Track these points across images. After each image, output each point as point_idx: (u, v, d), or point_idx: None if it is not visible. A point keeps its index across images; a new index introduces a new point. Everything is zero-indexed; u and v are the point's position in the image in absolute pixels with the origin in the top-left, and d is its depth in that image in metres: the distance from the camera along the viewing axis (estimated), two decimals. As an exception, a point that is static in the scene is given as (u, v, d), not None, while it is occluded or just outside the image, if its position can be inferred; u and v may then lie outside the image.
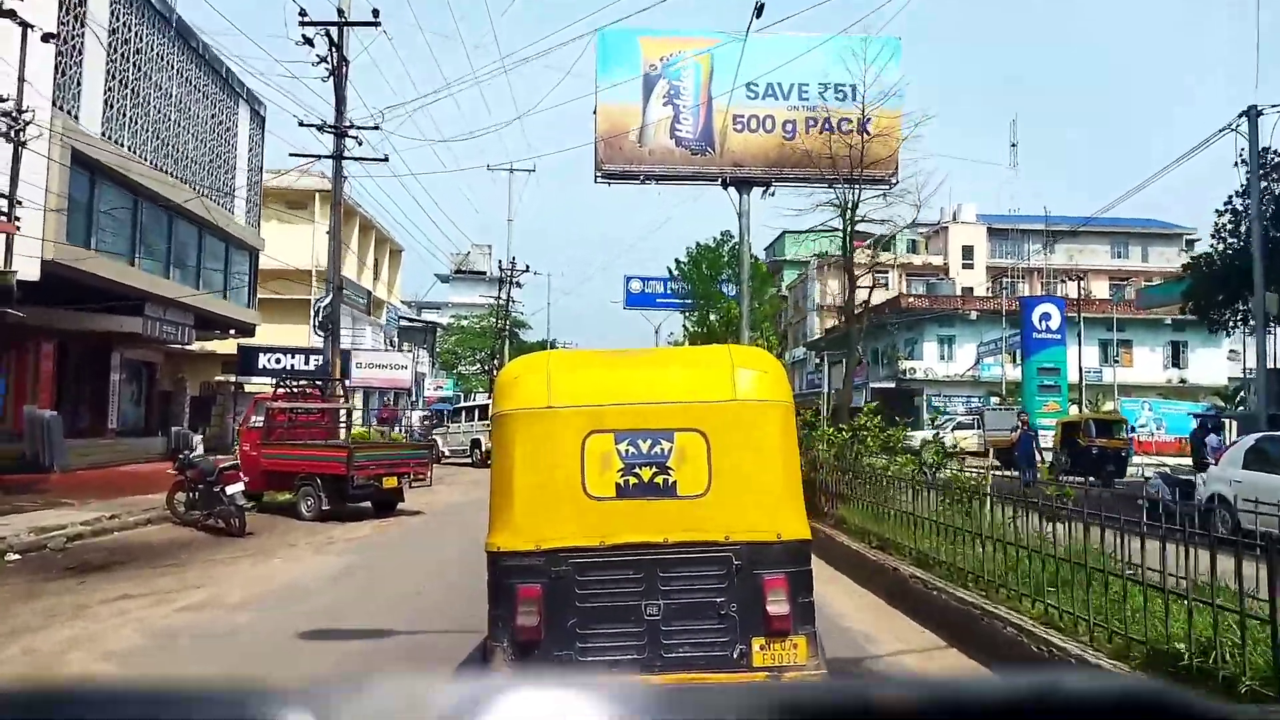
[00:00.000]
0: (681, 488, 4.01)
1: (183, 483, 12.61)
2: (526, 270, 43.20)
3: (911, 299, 46.51)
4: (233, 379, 32.29)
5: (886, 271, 28.19)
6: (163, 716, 0.69)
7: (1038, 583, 6.07)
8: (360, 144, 19.44)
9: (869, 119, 19.52)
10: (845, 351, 24.72)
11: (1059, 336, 29.56)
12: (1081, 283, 44.41)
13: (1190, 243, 63.19)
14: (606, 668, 3.88)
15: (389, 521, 14.12)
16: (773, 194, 20.93)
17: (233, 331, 29.22)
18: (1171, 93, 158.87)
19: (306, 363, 32.39)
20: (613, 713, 0.67)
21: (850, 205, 18.98)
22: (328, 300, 20.31)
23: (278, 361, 31.28)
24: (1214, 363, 44.85)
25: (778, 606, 3.92)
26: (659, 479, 4.01)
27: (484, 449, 27.25)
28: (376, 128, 18.65)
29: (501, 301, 43.44)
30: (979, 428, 32.50)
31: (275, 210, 34.36)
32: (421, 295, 66.65)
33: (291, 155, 23.25)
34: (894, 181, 20.64)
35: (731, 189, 20.96)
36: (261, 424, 15.01)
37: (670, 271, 41.44)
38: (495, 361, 45.44)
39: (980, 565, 6.89)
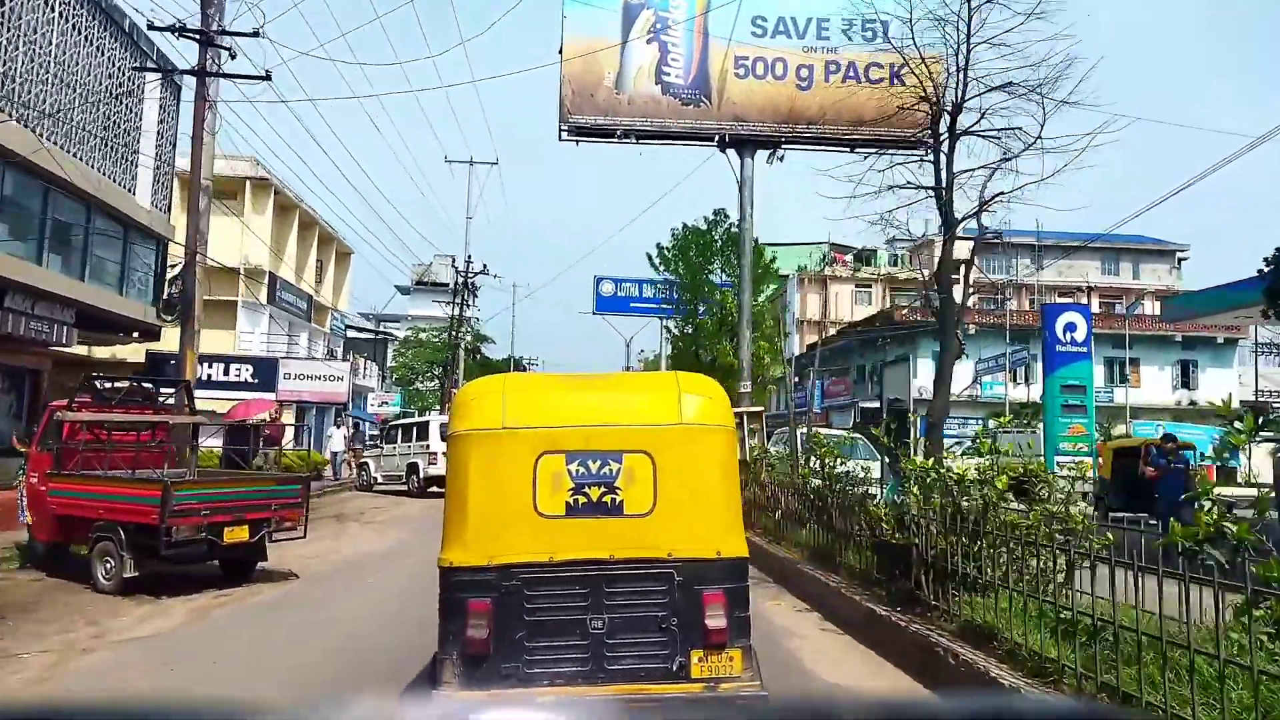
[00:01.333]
0: (628, 507, 4.18)
1: None
2: (484, 271, 39.08)
3: (904, 310, 43.36)
4: (139, 390, 28.08)
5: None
6: None
7: None
8: (234, 58, 15.19)
9: (902, 67, 15.56)
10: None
11: (1085, 350, 26.09)
12: (1079, 298, 41.64)
13: (1181, 260, 61.25)
14: (551, 680, 3.98)
15: (229, 595, 9.36)
16: (780, 158, 16.93)
17: (136, 335, 25.15)
18: (1172, 100, 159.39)
19: (227, 372, 28.40)
20: None
21: (954, 103, 14.26)
22: (177, 270, 16.11)
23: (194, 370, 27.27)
24: (1225, 383, 42.15)
25: (716, 620, 4.09)
26: (607, 498, 4.17)
27: (422, 475, 22.98)
28: (256, 34, 14.57)
29: (457, 306, 39.02)
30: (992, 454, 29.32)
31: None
32: (380, 308, 63.50)
33: (134, 70, 19.14)
34: (930, 144, 16.39)
35: (731, 151, 16.92)
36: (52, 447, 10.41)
37: (651, 259, 33.48)
38: (450, 376, 41.17)
39: None
